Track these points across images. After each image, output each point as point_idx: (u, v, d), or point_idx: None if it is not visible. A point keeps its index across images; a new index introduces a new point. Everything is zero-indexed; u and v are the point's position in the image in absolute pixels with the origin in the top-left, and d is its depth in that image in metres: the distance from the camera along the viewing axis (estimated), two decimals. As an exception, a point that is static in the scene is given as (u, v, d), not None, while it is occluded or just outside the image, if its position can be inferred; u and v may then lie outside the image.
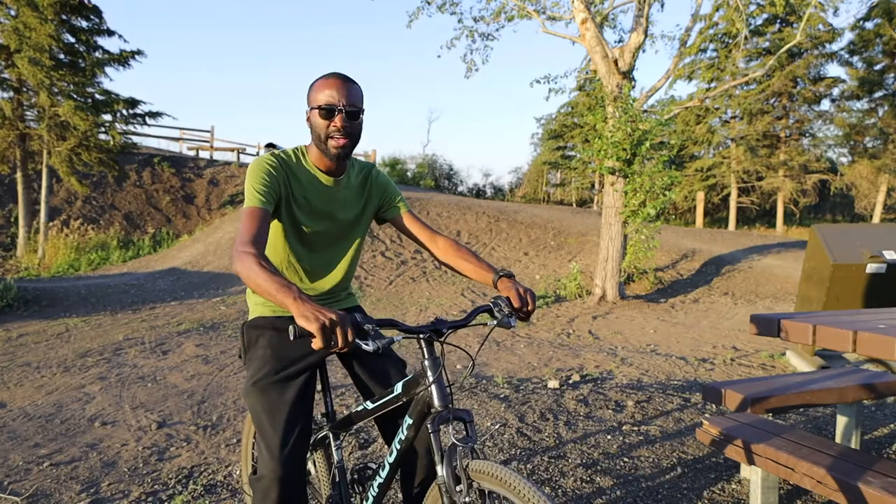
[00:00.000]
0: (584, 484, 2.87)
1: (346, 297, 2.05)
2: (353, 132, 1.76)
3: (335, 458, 1.93)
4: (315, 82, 1.78)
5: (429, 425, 1.50)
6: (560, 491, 2.80)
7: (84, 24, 15.14)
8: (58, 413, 4.14)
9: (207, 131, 21.73)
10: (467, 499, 1.41)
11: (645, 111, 9.70)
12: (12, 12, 14.07)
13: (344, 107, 1.71)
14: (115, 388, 4.73)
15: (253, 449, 2.29)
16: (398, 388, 1.65)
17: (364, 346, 1.38)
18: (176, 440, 3.59)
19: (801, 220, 26.19)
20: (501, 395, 4.31)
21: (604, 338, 7.04)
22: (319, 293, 1.96)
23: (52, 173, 15.15)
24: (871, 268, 5.09)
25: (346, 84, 1.74)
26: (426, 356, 1.54)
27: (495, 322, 1.61)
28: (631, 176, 9.20)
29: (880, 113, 22.99)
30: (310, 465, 2.12)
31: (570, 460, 3.14)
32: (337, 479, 1.92)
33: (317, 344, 1.29)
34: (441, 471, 1.45)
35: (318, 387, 1.96)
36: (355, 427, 1.77)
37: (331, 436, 1.95)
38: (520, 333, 7.17)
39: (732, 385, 3.00)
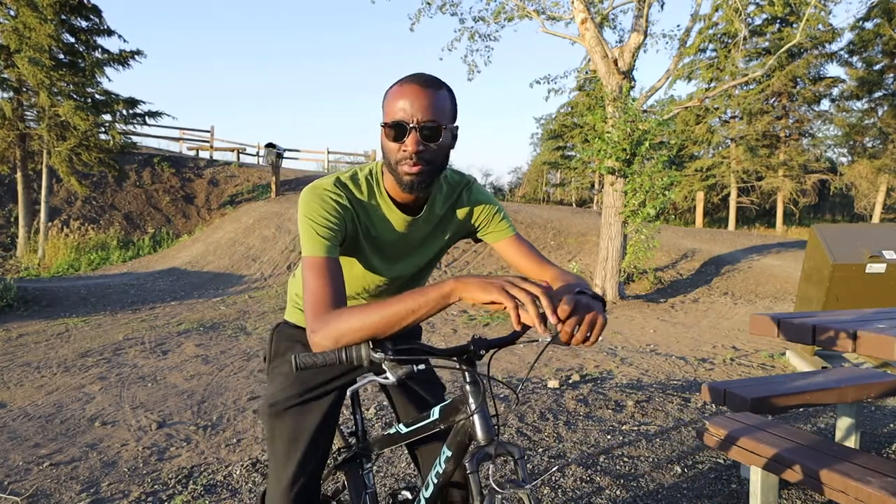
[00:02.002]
0: (584, 484, 2.87)
1: None
2: (432, 157, 1.34)
3: (367, 482, 1.76)
4: (389, 89, 1.37)
5: (467, 463, 1.24)
6: (560, 491, 2.80)
7: (84, 23, 15.14)
8: (58, 413, 4.14)
9: (207, 131, 21.72)
10: None
11: (644, 111, 9.70)
12: (12, 12, 14.06)
13: (418, 124, 1.29)
14: (115, 388, 4.73)
15: None
16: (435, 412, 1.42)
17: (381, 380, 1.21)
18: (176, 440, 3.59)
19: (801, 220, 26.20)
20: (501, 395, 4.31)
21: (603, 337, 7.04)
22: None
23: (51, 173, 15.15)
24: (871, 268, 5.10)
25: (426, 91, 1.31)
26: (467, 380, 1.30)
27: (549, 339, 1.29)
28: (631, 176, 9.20)
29: (880, 113, 23.01)
30: (335, 487, 2.00)
31: (569, 460, 3.14)
32: None
33: (527, 318, 1.10)
34: None
35: (347, 401, 1.84)
36: (388, 450, 1.61)
37: (362, 458, 1.79)
38: (520, 333, 7.16)
39: (732, 385, 3.00)
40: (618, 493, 2.79)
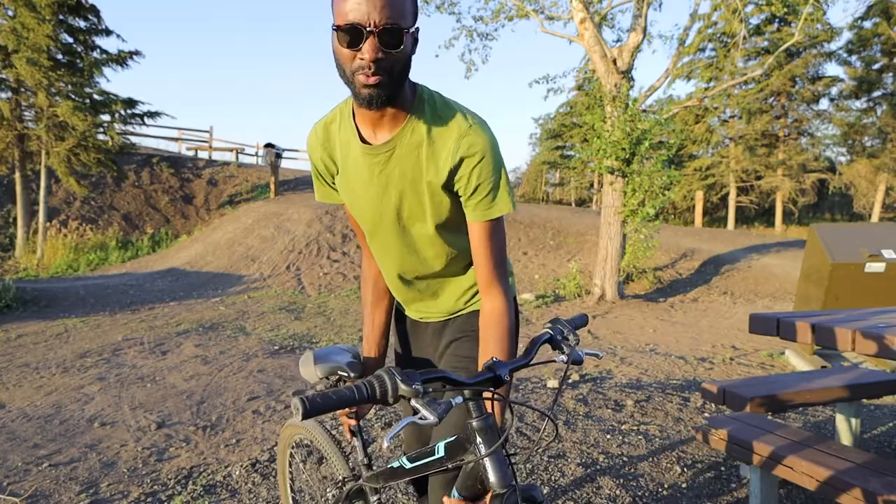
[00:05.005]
0: (583, 483, 2.87)
1: (462, 325, 1.54)
2: (391, 66, 1.17)
3: None
4: None
5: None
6: (560, 491, 2.80)
7: (82, 24, 15.12)
8: (57, 414, 4.14)
9: (206, 131, 21.71)
10: None
11: (644, 111, 9.70)
12: (10, 12, 14.04)
13: (376, 27, 1.13)
14: (114, 389, 4.73)
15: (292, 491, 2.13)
16: (440, 449, 1.22)
17: (419, 420, 0.96)
18: (175, 440, 3.59)
19: (800, 220, 26.22)
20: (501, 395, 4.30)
21: (603, 337, 7.04)
22: (423, 316, 1.61)
23: (50, 174, 15.13)
24: (870, 267, 5.10)
25: None
26: (474, 415, 1.09)
27: (564, 357, 1.20)
28: (630, 175, 9.21)
29: (878, 112, 23.03)
30: None
31: (569, 460, 3.14)
32: None
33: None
34: None
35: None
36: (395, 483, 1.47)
37: (367, 489, 1.61)
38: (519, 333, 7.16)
39: (732, 384, 3.00)
40: (618, 493, 2.78)
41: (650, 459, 3.17)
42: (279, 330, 7.10)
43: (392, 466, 1.41)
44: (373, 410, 3.97)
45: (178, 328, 7.17)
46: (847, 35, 23.09)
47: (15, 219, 15.24)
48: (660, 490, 2.83)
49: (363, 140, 1.33)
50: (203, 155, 21.45)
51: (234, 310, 8.35)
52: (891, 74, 22.35)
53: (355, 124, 1.33)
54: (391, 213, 1.37)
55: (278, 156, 17.25)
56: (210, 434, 3.70)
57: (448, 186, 1.32)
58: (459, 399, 1.03)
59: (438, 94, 1.34)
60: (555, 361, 1.19)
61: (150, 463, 3.25)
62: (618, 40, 11.82)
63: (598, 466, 3.07)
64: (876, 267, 5.09)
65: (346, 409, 1.52)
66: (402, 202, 1.35)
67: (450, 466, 1.19)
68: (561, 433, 3.55)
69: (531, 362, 1.17)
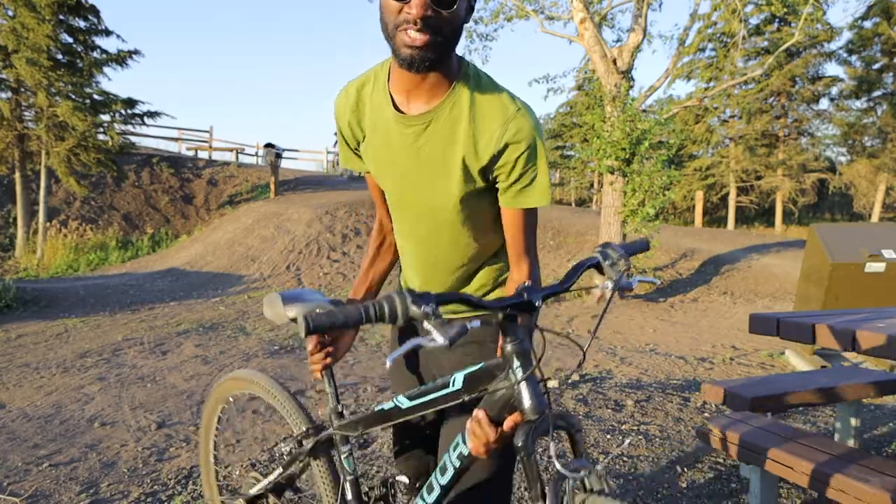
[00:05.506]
0: (583, 484, 2.87)
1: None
2: (440, 27, 1.09)
3: (346, 467, 1.48)
4: None
5: (520, 441, 1.02)
6: (560, 491, 2.80)
7: (82, 24, 15.13)
8: (57, 414, 4.14)
9: (206, 131, 21.71)
10: None
11: (644, 110, 9.71)
12: (10, 12, 14.04)
13: None
14: (114, 389, 4.73)
15: (215, 463, 2.03)
16: (457, 380, 1.14)
17: (428, 343, 0.90)
18: (175, 440, 3.59)
19: (800, 220, 26.23)
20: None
21: (603, 337, 7.04)
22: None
23: (50, 174, 15.13)
24: (870, 267, 5.10)
25: None
26: (509, 340, 1.05)
27: (610, 284, 1.09)
28: (630, 175, 9.21)
29: (879, 112, 23.04)
30: (290, 473, 1.68)
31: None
32: (348, 498, 1.47)
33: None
34: None
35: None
36: (375, 430, 1.43)
37: (337, 438, 1.48)
38: (519, 333, 7.16)
39: (732, 384, 3.00)
40: (617, 492, 2.79)
41: (650, 459, 3.17)
42: (279, 330, 7.10)
43: (380, 409, 1.31)
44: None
45: (178, 328, 7.17)
46: (847, 35, 23.11)
47: (15, 219, 15.24)
48: (659, 490, 2.83)
49: (396, 108, 1.24)
50: (203, 155, 21.45)
51: (235, 310, 8.36)
52: (891, 74, 22.36)
53: (389, 90, 1.25)
54: (416, 188, 1.28)
55: (278, 156, 17.25)
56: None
57: (485, 170, 1.24)
58: (476, 323, 0.96)
59: (485, 72, 1.26)
60: (596, 287, 1.08)
61: (151, 463, 3.25)
62: (618, 40, 11.83)
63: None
64: (876, 267, 5.09)
65: (319, 353, 1.45)
66: (429, 178, 1.26)
67: (466, 399, 1.13)
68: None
69: (570, 288, 1.08)
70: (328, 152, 23.84)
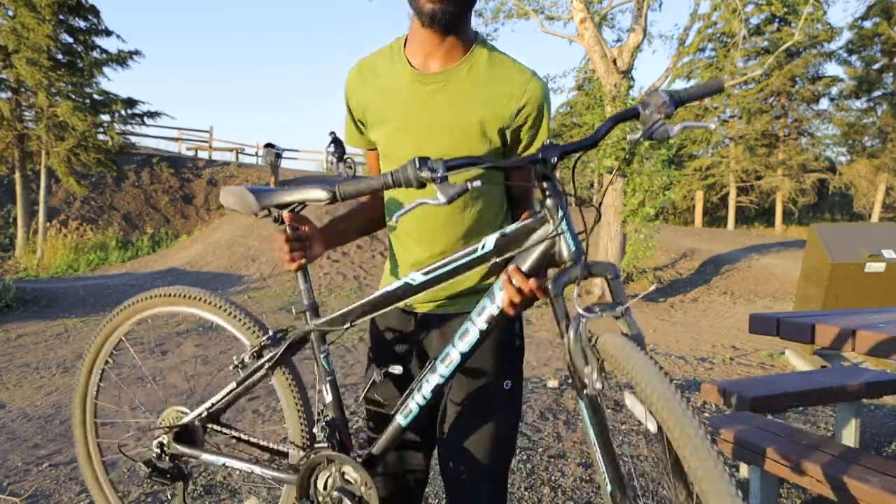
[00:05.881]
0: (583, 483, 2.87)
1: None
2: None
3: (326, 367, 1.36)
4: None
5: (550, 285, 1.08)
6: (560, 490, 2.80)
7: (82, 24, 15.13)
8: (57, 414, 4.14)
9: (206, 131, 21.71)
10: (598, 385, 1.04)
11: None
12: (10, 12, 14.05)
13: None
14: (114, 389, 4.73)
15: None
16: (488, 243, 1.15)
17: (430, 201, 1.02)
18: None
19: (800, 220, 26.23)
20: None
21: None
22: (438, 307, 1.42)
23: (50, 174, 15.13)
24: (870, 267, 5.10)
25: None
26: (548, 194, 1.11)
27: (639, 134, 1.08)
28: (630, 175, 9.21)
29: (879, 112, 23.05)
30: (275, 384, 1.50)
31: (569, 459, 3.14)
32: (328, 399, 1.37)
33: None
34: (567, 345, 1.09)
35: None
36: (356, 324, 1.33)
37: (314, 337, 1.37)
38: (519, 333, 7.16)
39: (732, 384, 3.00)
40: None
41: (650, 459, 3.17)
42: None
43: (384, 292, 1.26)
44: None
45: (178, 328, 7.17)
46: (847, 35, 23.12)
47: (15, 219, 15.24)
48: (660, 490, 2.83)
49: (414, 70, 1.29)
50: (203, 155, 21.45)
51: (234, 310, 8.35)
52: (891, 74, 22.36)
53: (406, 56, 1.30)
54: (430, 148, 1.30)
55: (278, 156, 17.09)
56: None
57: (503, 129, 1.29)
58: (478, 182, 1.04)
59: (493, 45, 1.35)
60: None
61: (150, 463, 3.25)
62: (618, 40, 11.82)
63: (598, 466, 3.07)
64: (876, 267, 5.09)
65: (296, 243, 1.39)
66: (444, 136, 1.28)
67: (498, 261, 1.16)
68: (561, 433, 3.55)
69: (598, 142, 1.10)
70: (328, 152, 23.86)
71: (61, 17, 14.58)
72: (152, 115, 16.06)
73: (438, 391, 1.25)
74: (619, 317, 1.04)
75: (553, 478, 2.93)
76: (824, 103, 25.62)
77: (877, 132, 23.10)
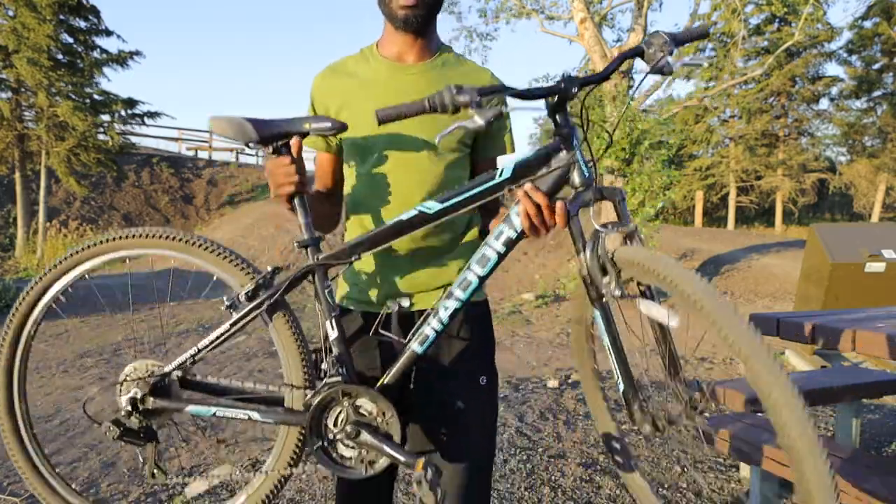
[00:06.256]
0: (583, 483, 2.87)
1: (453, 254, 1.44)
2: None
3: (329, 302, 1.29)
4: None
5: (568, 205, 1.18)
6: (560, 490, 2.80)
7: (82, 24, 15.14)
8: (57, 414, 4.14)
9: (206, 131, 21.71)
10: (617, 292, 1.17)
11: (644, 110, 9.71)
12: (10, 12, 14.05)
13: None
14: (114, 389, 4.73)
15: None
16: (506, 170, 1.21)
17: (468, 124, 1.09)
18: (175, 441, 3.59)
19: (800, 220, 26.23)
20: (501, 395, 4.31)
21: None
22: (407, 252, 1.40)
23: (50, 174, 15.13)
24: (870, 267, 5.10)
25: None
26: (561, 124, 1.20)
27: (648, 69, 1.20)
28: (630, 175, 9.21)
29: (879, 112, 23.05)
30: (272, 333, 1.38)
31: (569, 459, 3.14)
32: (334, 335, 1.30)
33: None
34: (584, 261, 1.18)
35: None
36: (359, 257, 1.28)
37: (316, 272, 1.30)
38: (519, 333, 7.16)
39: (732, 384, 3.00)
40: (617, 492, 2.78)
41: (649, 458, 3.17)
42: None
43: (397, 220, 1.24)
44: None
45: (178, 328, 7.17)
46: (847, 35, 23.11)
47: (15, 219, 15.25)
48: (660, 490, 2.83)
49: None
50: (203, 155, 21.46)
51: (235, 310, 8.36)
52: (891, 74, 22.36)
53: (381, 56, 1.40)
54: (412, 130, 1.35)
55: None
56: (210, 434, 3.70)
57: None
58: (507, 107, 1.16)
59: None
60: (630, 76, 1.16)
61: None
62: (618, 40, 11.83)
63: (598, 466, 3.07)
64: (876, 267, 5.09)
65: (300, 176, 1.28)
66: (425, 120, 1.32)
67: (513, 188, 1.22)
68: (561, 433, 3.55)
69: (609, 76, 1.22)
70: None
71: (62, 17, 14.59)
72: (152, 115, 16.06)
73: (455, 316, 1.25)
74: (630, 232, 1.15)
75: (553, 478, 2.93)
76: (824, 103, 25.63)
77: (877, 132, 23.10)
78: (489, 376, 1.48)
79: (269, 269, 1.33)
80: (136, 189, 17.81)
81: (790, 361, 5.66)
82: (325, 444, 1.27)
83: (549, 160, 1.21)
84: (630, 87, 9.39)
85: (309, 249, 1.30)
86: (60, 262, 1.42)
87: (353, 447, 1.27)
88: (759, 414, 2.82)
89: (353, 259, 1.28)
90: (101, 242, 1.41)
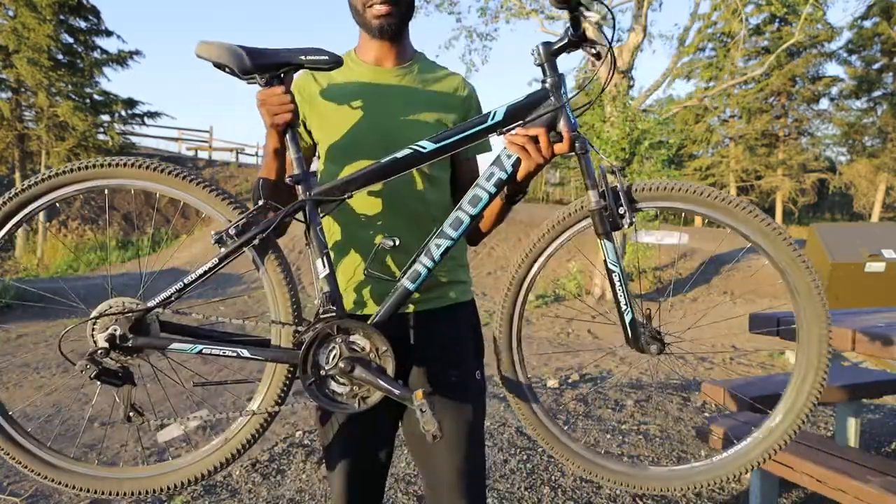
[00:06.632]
0: (583, 483, 2.87)
1: (445, 280, 1.46)
2: None
3: (320, 239, 1.26)
4: None
5: (577, 145, 1.26)
6: (560, 490, 2.80)
7: (82, 24, 15.15)
8: (57, 414, 4.14)
9: (206, 131, 21.71)
10: (629, 219, 1.24)
11: (644, 110, 9.71)
12: (10, 13, 14.05)
13: None
14: (114, 389, 4.73)
15: None
16: (498, 113, 1.25)
17: (588, 15, 1.26)
18: (175, 440, 3.59)
19: (800, 219, 26.22)
20: (501, 395, 4.31)
21: (603, 337, 7.04)
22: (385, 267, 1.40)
23: (50, 174, 15.15)
24: (870, 266, 5.10)
25: None
26: (553, 74, 1.31)
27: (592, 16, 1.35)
28: (630, 175, 9.21)
29: (879, 112, 23.03)
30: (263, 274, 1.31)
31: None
32: (324, 273, 1.26)
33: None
34: (594, 196, 1.23)
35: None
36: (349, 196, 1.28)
37: (308, 208, 1.26)
38: (519, 333, 7.16)
39: (732, 384, 3.00)
40: (618, 492, 2.79)
41: (649, 459, 3.17)
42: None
43: (392, 158, 1.23)
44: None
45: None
46: (847, 35, 23.08)
47: (15, 219, 15.25)
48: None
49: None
50: (203, 155, 21.44)
51: (235, 310, 8.36)
52: (891, 74, 22.36)
53: (361, 60, 1.46)
54: (389, 131, 1.39)
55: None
56: (210, 434, 3.70)
57: (455, 110, 1.47)
58: (573, 35, 1.31)
59: None
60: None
61: (151, 463, 3.25)
62: (618, 40, 11.82)
63: (598, 466, 3.07)
64: (876, 267, 5.09)
65: (285, 107, 1.24)
66: (401, 121, 1.40)
67: (503, 131, 1.26)
68: (561, 433, 3.55)
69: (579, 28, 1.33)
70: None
71: (62, 17, 14.60)
72: (152, 115, 16.08)
73: (446, 253, 1.26)
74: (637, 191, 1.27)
75: (553, 478, 2.93)
76: (824, 103, 25.60)
77: (877, 132, 23.08)
78: (482, 371, 1.53)
79: (259, 202, 1.28)
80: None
81: (790, 361, 5.67)
82: (318, 380, 1.25)
83: (537, 106, 1.26)
84: (631, 86, 9.39)
85: (301, 185, 1.27)
86: (33, 184, 1.29)
87: (345, 383, 1.25)
88: (760, 414, 2.82)
89: (345, 196, 1.25)
90: (80, 168, 1.30)
